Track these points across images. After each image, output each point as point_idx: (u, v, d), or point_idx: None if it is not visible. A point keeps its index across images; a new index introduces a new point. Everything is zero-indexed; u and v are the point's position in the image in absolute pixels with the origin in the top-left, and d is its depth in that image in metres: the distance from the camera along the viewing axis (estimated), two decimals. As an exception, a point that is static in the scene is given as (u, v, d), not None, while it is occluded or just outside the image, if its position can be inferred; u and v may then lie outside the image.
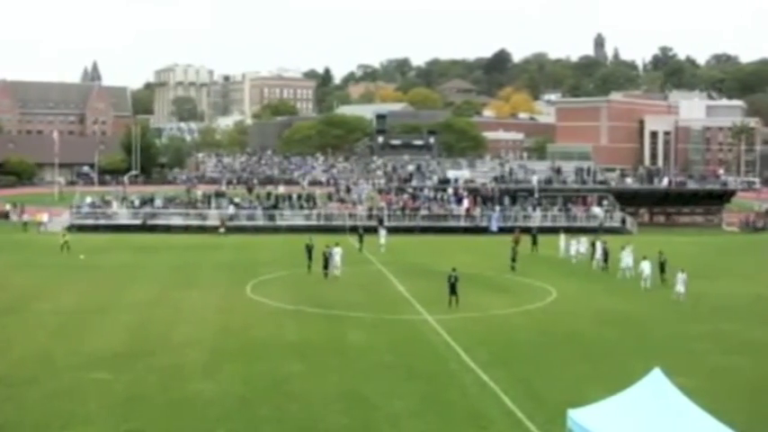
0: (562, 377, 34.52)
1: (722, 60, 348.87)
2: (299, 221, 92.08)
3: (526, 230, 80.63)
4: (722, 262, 71.47)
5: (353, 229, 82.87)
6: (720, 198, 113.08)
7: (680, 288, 51.40)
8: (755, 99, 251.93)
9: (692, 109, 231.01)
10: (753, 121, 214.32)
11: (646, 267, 57.28)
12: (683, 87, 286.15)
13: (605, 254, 65.61)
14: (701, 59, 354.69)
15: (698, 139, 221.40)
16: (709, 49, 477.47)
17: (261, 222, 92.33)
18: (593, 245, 68.64)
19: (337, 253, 59.08)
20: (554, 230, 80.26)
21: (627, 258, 62.38)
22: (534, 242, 75.14)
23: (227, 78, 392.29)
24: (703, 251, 76.93)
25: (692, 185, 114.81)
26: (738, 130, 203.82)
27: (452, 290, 48.54)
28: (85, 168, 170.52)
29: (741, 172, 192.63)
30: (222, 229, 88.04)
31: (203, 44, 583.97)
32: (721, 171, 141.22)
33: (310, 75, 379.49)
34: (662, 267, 58.87)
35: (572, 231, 79.98)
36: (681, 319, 47.43)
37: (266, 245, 79.07)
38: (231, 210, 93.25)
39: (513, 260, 64.26)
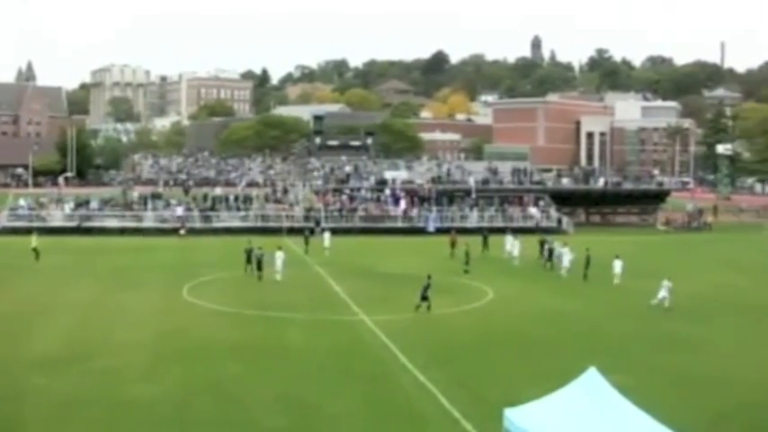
0: (500, 377, 34.74)
1: (657, 62, 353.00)
2: (236, 223, 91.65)
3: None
4: (657, 261, 72.27)
5: (291, 231, 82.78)
6: (655, 198, 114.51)
7: (663, 294, 50.77)
8: (689, 100, 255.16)
9: (628, 110, 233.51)
10: (687, 122, 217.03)
11: (617, 266, 58.74)
12: (618, 89, 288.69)
13: (550, 253, 66.37)
14: (637, 61, 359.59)
15: (633, 139, 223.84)
16: (644, 51, 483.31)
17: (198, 224, 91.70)
18: (541, 244, 69.47)
19: (279, 257, 58.55)
20: (502, 231, 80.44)
21: (566, 258, 63.31)
22: (485, 243, 75.01)
23: (163, 79, 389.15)
24: (639, 250, 77.63)
25: (627, 186, 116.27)
26: (673, 130, 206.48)
27: (424, 296, 47.90)
28: (19, 170, 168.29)
29: (675, 172, 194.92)
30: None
31: (140, 44, 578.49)
32: (656, 171, 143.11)
33: (248, 75, 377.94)
34: (587, 263, 60.29)
35: (512, 232, 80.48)
36: (618, 318, 48.10)
37: (203, 247, 78.72)
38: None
39: (467, 263, 63.79)
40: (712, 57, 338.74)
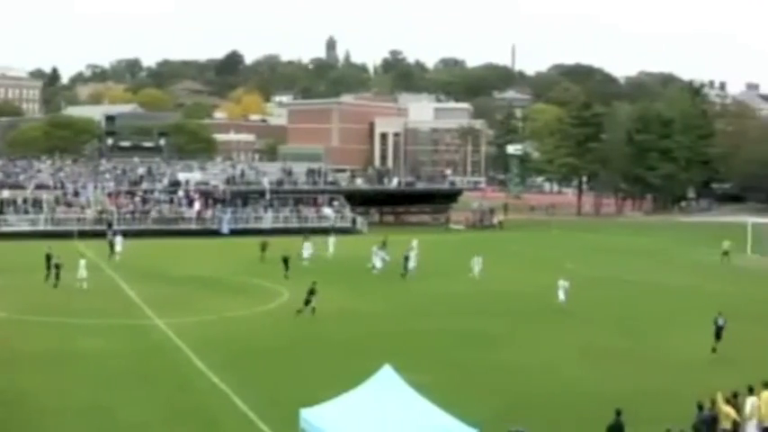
0: (296, 378, 34.71)
1: (450, 64, 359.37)
2: (25, 227, 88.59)
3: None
4: (451, 259, 73.56)
5: (83, 234, 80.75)
6: (447, 198, 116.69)
7: (561, 296, 51.54)
8: (481, 102, 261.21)
9: (421, 111, 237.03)
10: (478, 123, 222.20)
11: (476, 264, 60.99)
12: (412, 90, 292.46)
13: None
14: (430, 63, 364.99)
15: (426, 140, 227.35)
16: (437, 54, 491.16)
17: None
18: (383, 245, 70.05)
19: (82, 266, 56.90)
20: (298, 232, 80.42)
21: (376, 258, 64.17)
22: (263, 249, 74.77)
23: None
24: (433, 249, 78.78)
25: (420, 186, 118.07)
26: (465, 131, 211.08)
27: (308, 300, 47.56)
28: None
29: (468, 172, 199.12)
30: None
31: None
32: (449, 171, 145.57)
33: (37, 74, 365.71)
34: (406, 262, 62.58)
35: (305, 232, 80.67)
36: (415, 317, 48.84)
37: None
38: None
39: (286, 269, 62.17)
40: (503, 59, 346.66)
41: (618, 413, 24.92)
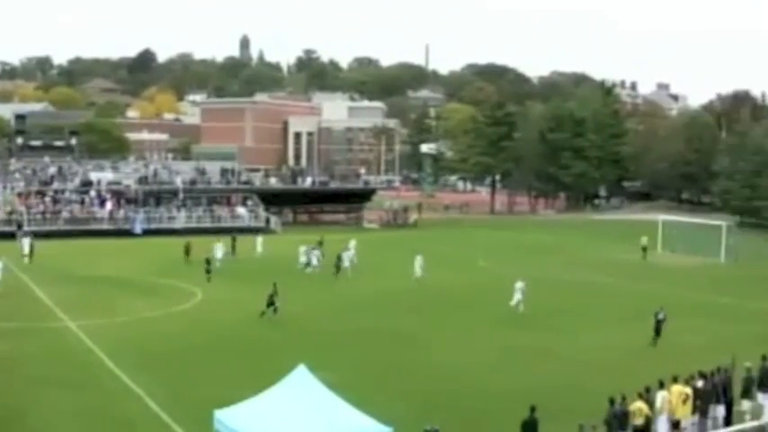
0: (211, 378, 34.60)
1: (364, 64, 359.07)
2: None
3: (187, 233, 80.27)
4: (368, 258, 73.63)
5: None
6: (361, 197, 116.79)
7: (518, 296, 50.80)
8: (395, 101, 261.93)
9: (335, 110, 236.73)
10: (392, 123, 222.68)
11: (418, 263, 61.40)
12: (326, 89, 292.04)
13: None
14: (344, 62, 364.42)
15: (340, 139, 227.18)
16: (351, 53, 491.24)
17: None
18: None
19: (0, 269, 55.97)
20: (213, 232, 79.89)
21: (311, 256, 65.21)
22: (233, 246, 74.50)
23: None
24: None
25: (334, 185, 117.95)
26: (379, 130, 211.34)
27: (270, 302, 47.53)
28: None
29: (381, 171, 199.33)
30: None
31: None
32: (363, 170, 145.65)
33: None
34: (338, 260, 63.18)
35: (217, 232, 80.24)
36: (334, 317, 48.97)
37: None
38: None
39: (208, 272, 60.99)
40: (417, 59, 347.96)
41: (532, 409, 25.23)
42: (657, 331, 42.52)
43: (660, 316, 42.78)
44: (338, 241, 73.70)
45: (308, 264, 65.69)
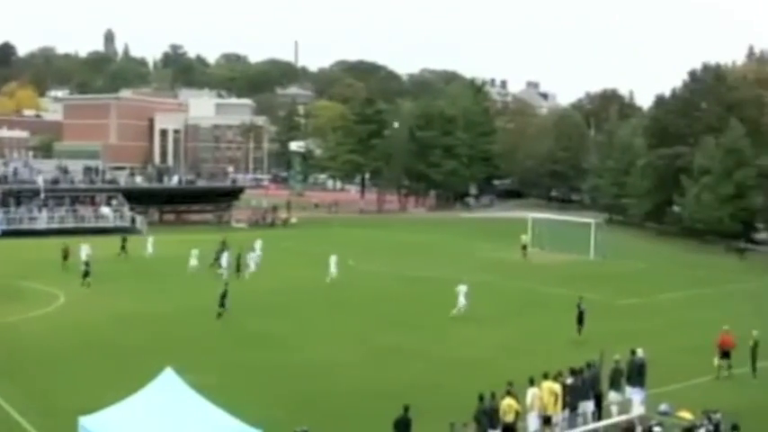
0: (74, 384, 33.61)
1: (232, 60, 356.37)
2: None
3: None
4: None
5: None
6: (229, 195, 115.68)
7: (462, 301, 49.59)
8: (264, 98, 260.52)
9: (202, 107, 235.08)
10: (261, 120, 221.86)
11: (333, 263, 61.51)
12: (193, 86, 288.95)
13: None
14: (212, 58, 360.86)
15: (208, 137, 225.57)
16: (219, 49, 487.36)
17: None
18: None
19: None
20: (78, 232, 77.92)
21: (193, 260, 64.15)
22: (123, 246, 72.91)
23: None
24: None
25: (201, 183, 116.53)
26: (247, 128, 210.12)
27: (222, 302, 46.79)
28: None
29: (250, 169, 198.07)
30: None
31: None
32: (231, 169, 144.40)
33: None
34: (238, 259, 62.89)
35: (81, 233, 78.19)
36: (199, 317, 47.90)
37: None
38: None
39: (86, 275, 58.00)
40: (286, 55, 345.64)
41: (406, 409, 25.23)
42: (580, 321, 43.23)
43: (582, 307, 43.40)
44: (206, 241, 72.52)
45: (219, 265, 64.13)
